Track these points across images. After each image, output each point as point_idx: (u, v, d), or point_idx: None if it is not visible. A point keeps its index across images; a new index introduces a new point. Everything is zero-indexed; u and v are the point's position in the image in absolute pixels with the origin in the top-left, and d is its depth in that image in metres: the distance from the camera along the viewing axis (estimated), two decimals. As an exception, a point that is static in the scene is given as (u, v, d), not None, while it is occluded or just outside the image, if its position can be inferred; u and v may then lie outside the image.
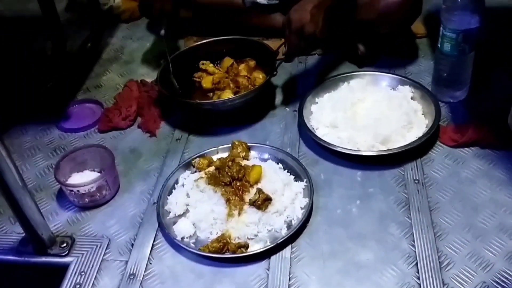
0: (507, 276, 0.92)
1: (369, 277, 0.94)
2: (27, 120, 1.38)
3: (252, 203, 1.04)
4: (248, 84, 1.31)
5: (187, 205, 1.07)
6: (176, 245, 1.02)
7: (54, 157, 1.26)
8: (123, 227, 1.08)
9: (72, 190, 1.09)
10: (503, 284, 0.90)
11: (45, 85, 1.43)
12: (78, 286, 0.97)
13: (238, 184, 1.07)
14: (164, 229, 1.04)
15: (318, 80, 1.38)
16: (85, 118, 1.37)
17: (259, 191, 1.05)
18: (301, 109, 1.25)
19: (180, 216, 1.06)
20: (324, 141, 1.17)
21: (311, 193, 1.06)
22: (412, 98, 1.27)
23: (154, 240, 1.04)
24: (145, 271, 0.99)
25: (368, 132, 1.17)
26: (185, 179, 1.13)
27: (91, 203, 1.11)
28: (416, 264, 0.95)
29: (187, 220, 1.05)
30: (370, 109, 1.23)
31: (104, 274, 0.99)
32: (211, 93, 1.35)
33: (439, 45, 1.22)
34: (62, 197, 1.15)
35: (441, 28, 1.20)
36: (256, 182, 1.08)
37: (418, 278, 0.93)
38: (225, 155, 1.17)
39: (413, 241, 0.99)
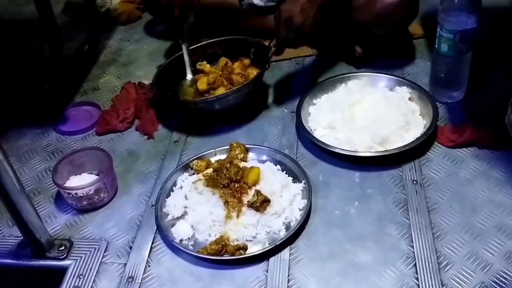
0: (505, 276, 0.92)
1: (368, 278, 0.94)
2: (24, 123, 1.37)
3: (251, 205, 1.04)
4: (243, 81, 1.31)
5: (186, 207, 1.07)
6: (175, 248, 1.01)
7: (52, 160, 1.26)
8: (121, 229, 1.07)
9: (70, 193, 1.09)
10: (501, 284, 0.91)
11: (42, 87, 1.42)
12: (77, 289, 0.97)
13: (236, 186, 1.07)
14: (162, 231, 1.03)
15: (315, 81, 1.38)
16: (83, 120, 1.37)
17: (258, 192, 1.05)
18: (298, 110, 1.25)
19: (178, 218, 1.06)
20: (322, 142, 1.17)
21: (309, 194, 1.06)
22: (409, 99, 1.27)
23: (152, 243, 1.04)
24: (143, 274, 0.98)
25: (366, 133, 1.17)
26: (183, 181, 1.13)
27: (89, 205, 1.11)
28: (415, 264, 0.95)
29: (185, 222, 1.05)
30: (368, 110, 1.23)
31: (102, 277, 0.99)
32: (207, 94, 1.35)
33: (436, 46, 1.23)
34: (60, 200, 1.15)
35: (438, 29, 1.20)
36: (254, 183, 1.08)
37: (417, 279, 0.93)
38: (223, 157, 1.17)
39: (412, 241, 0.99)
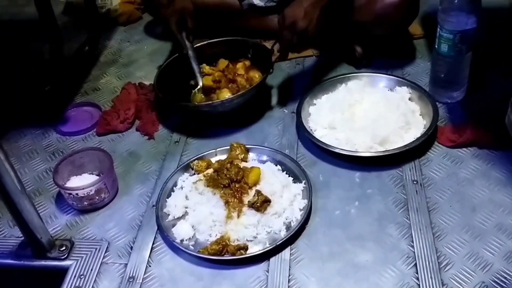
0: (506, 276, 0.92)
1: (368, 278, 0.94)
2: (25, 124, 1.37)
3: (251, 205, 1.04)
4: (246, 84, 1.31)
5: (186, 207, 1.07)
6: (175, 248, 1.02)
7: (53, 161, 1.26)
8: (122, 230, 1.08)
9: (70, 193, 1.09)
10: (502, 284, 0.91)
11: (43, 88, 1.42)
12: (78, 289, 0.97)
13: (237, 186, 1.08)
14: (163, 231, 1.04)
15: (315, 81, 1.38)
16: (83, 121, 1.37)
17: (258, 193, 1.05)
18: (299, 111, 1.25)
19: (179, 218, 1.07)
20: (322, 142, 1.17)
21: (309, 194, 1.06)
22: (409, 99, 1.27)
23: (153, 243, 1.04)
24: (144, 274, 0.98)
25: (366, 133, 1.17)
26: (183, 181, 1.13)
27: (90, 206, 1.11)
28: (415, 264, 0.95)
29: (186, 223, 1.05)
30: (368, 110, 1.24)
31: (103, 277, 0.99)
32: (212, 93, 1.34)
33: (436, 46, 1.23)
34: (60, 200, 1.15)
35: (438, 29, 1.20)
36: (255, 184, 1.08)
37: (417, 279, 0.93)
38: (223, 157, 1.17)
39: (412, 241, 0.99)
